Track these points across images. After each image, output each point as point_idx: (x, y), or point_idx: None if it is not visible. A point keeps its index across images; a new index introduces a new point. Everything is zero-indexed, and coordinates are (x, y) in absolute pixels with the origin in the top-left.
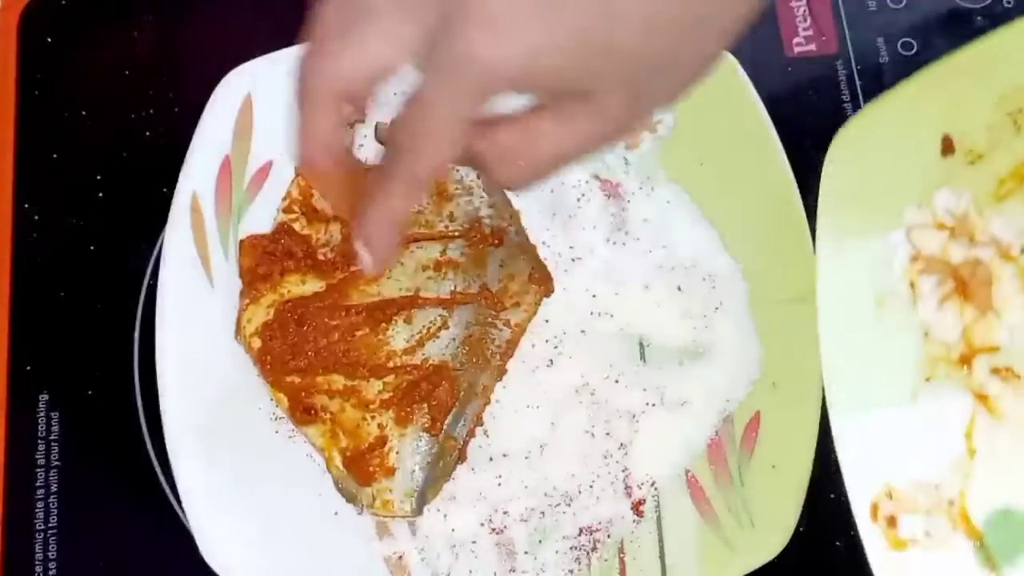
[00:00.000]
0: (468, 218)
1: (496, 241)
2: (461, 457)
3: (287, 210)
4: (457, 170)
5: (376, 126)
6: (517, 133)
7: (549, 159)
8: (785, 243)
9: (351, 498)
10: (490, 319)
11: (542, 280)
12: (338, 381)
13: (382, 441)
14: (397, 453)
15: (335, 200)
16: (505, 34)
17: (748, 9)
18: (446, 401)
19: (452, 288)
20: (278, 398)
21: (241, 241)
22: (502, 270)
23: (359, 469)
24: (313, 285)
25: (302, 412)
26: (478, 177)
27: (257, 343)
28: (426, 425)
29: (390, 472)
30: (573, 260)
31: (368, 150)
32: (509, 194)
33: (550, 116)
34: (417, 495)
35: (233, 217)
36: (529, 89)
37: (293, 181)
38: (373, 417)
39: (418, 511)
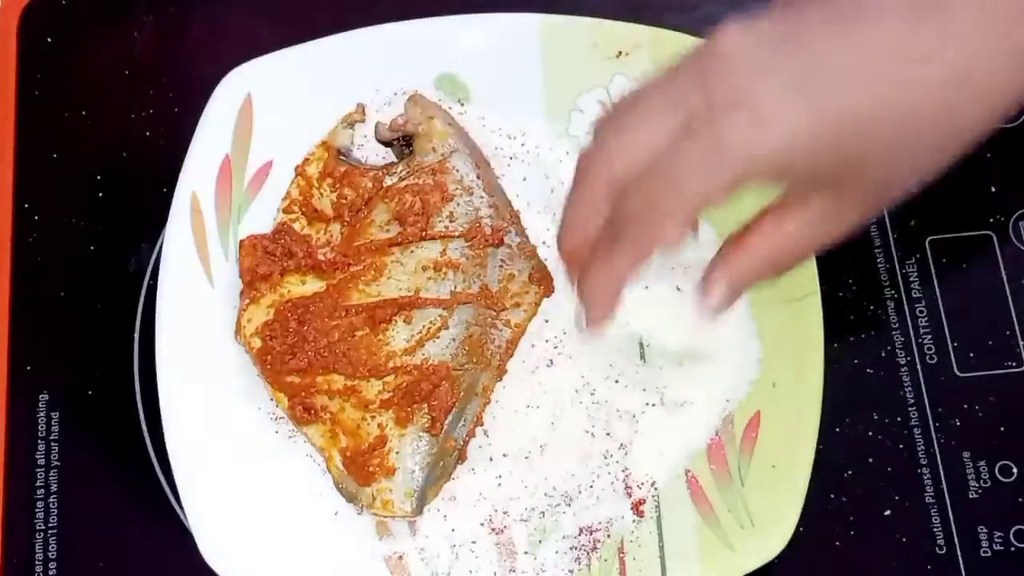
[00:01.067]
0: (468, 218)
1: (496, 241)
2: (461, 457)
3: (287, 210)
4: (456, 170)
5: (376, 125)
6: (759, 234)
7: (790, 256)
8: None
9: (351, 498)
10: (490, 319)
11: (542, 280)
12: (338, 381)
13: (382, 441)
14: (397, 453)
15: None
16: (769, 121)
17: (1006, 106)
18: (446, 401)
19: (452, 288)
20: (278, 398)
21: (241, 241)
22: (502, 270)
23: (359, 469)
24: (313, 285)
25: (302, 412)
26: (478, 177)
27: (257, 343)
28: (426, 425)
29: (390, 472)
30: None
31: (368, 150)
32: (509, 195)
33: (793, 211)
34: (417, 495)
35: (233, 217)
36: (783, 180)
37: (293, 181)
38: (373, 417)
39: (418, 511)
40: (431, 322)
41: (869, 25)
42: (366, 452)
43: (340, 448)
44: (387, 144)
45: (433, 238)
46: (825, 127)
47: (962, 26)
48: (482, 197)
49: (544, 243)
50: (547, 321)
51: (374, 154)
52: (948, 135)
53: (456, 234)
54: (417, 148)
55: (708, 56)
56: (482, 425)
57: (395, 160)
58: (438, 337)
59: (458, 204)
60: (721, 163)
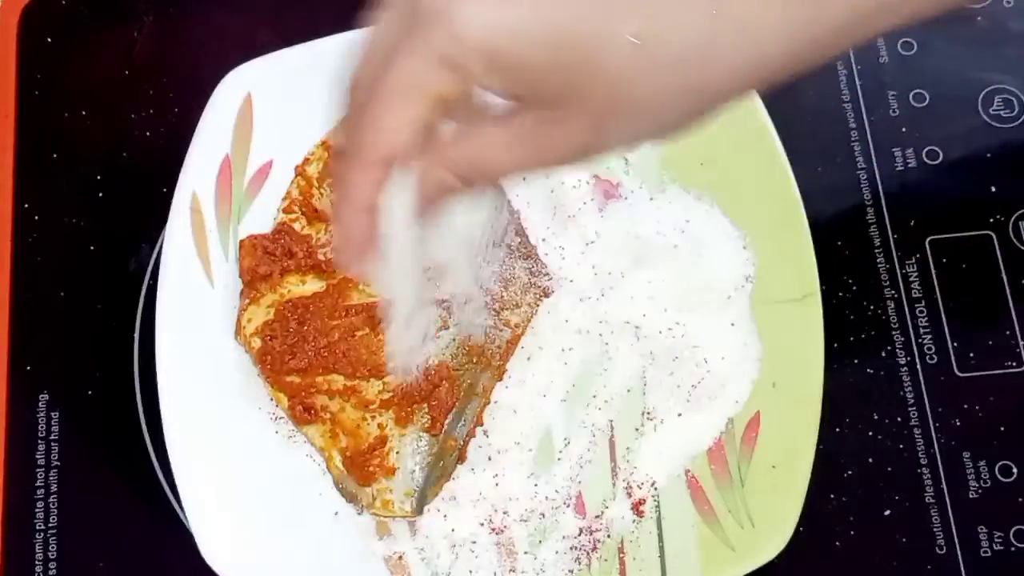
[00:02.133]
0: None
1: (496, 245)
2: (461, 457)
3: (287, 210)
4: None
5: None
6: (471, 138)
7: (493, 169)
8: (785, 243)
9: (351, 498)
10: (490, 319)
11: (541, 281)
12: (338, 381)
13: (382, 441)
14: (397, 453)
15: None
16: (487, 5)
17: (775, 50)
18: (446, 401)
19: (452, 288)
20: (278, 398)
21: (241, 241)
22: (502, 270)
23: (359, 469)
24: (313, 285)
25: (302, 412)
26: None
27: (257, 343)
28: (426, 425)
29: (390, 472)
30: (573, 260)
31: None
32: (509, 194)
33: (503, 119)
34: (417, 495)
35: (233, 217)
36: (496, 77)
37: (293, 181)
38: (373, 417)
39: (418, 511)
40: (430, 323)
41: None
42: (366, 452)
43: (340, 448)
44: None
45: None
46: (552, 26)
47: None
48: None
49: (544, 240)
50: (547, 320)
51: None
52: (697, 79)
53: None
54: None
55: None
56: (482, 425)
57: None
58: (438, 337)
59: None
60: (435, 37)
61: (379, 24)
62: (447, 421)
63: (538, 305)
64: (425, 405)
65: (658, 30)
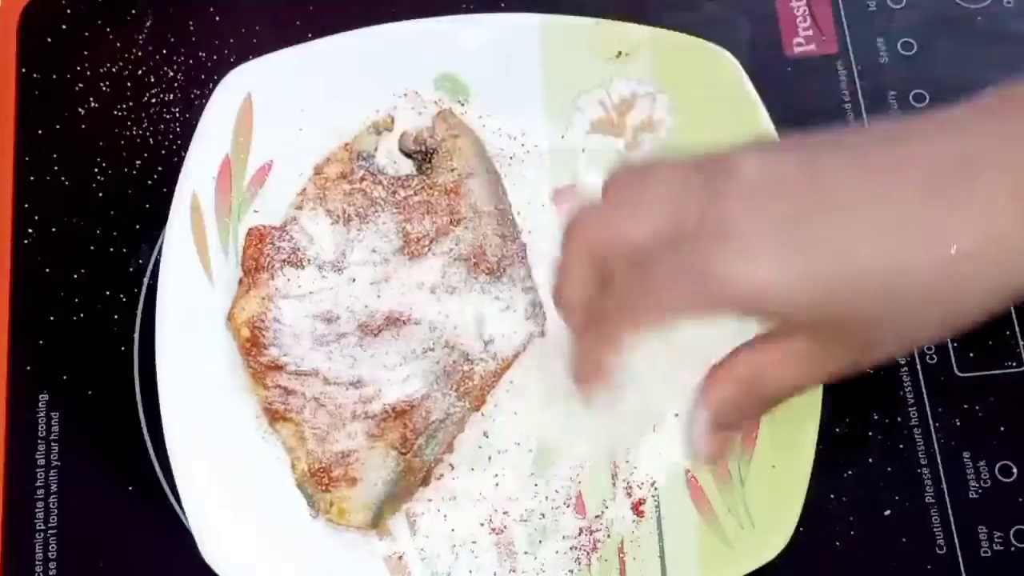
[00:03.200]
0: (474, 245)
1: (498, 273)
2: (425, 480)
3: (299, 205)
4: (472, 193)
5: (402, 135)
6: (735, 357)
7: (771, 396)
8: None
9: (308, 500)
10: (477, 350)
11: (538, 320)
12: (315, 387)
13: (350, 451)
14: (363, 464)
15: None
16: (754, 259)
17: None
18: (420, 421)
19: (445, 312)
20: (256, 390)
21: (250, 229)
22: (499, 303)
23: (323, 474)
24: (309, 285)
25: (275, 410)
26: (494, 206)
27: (246, 332)
28: (396, 442)
29: (352, 482)
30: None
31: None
32: (509, 194)
33: (776, 342)
34: (375, 509)
35: (233, 217)
36: (760, 318)
37: (311, 179)
38: (344, 425)
39: (372, 525)
40: (419, 342)
41: (881, 185)
42: (332, 459)
43: (307, 451)
44: (408, 155)
45: (435, 255)
46: (808, 281)
47: (979, 200)
48: (492, 225)
49: (528, 290)
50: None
51: (396, 162)
52: (949, 308)
53: (459, 257)
54: (436, 164)
55: (720, 173)
56: (451, 451)
57: (413, 172)
58: (423, 358)
59: (467, 228)
60: (695, 287)
61: (644, 228)
62: (418, 442)
63: (527, 343)
64: (399, 422)
65: (905, 278)
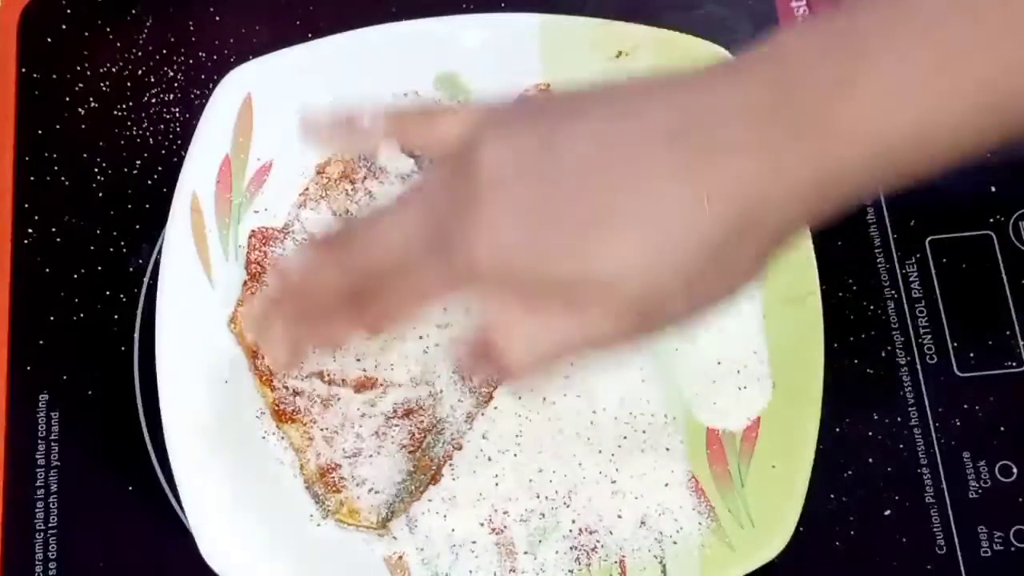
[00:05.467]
0: None
1: None
2: (435, 478)
3: (301, 206)
4: None
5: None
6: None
7: (538, 353)
8: None
9: (318, 502)
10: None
11: None
12: (322, 388)
13: (358, 451)
14: (372, 464)
15: None
16: (491, 228)
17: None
18: (427, 419)
19: (449, 308)
20: (263, 392)
21: (252, 231)
22: None
23: (332, 475)
24: None
25: (283, 411)
26: None
27: (251, 336)
28: (404, 441)
29: (362, 482)
30: None
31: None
32: None
33: (528, 316)
34: (386, 509)
35: (233, 217)
36: (510, 288)
37: (313, 179)
38: (352, 425)
39: (383, 525)
40: (424, 339)
41: (622, 153)
42: (341, 459)
43: (315, 452)
44: (413, 156)
45: None
46: (553, 249)
47: (735, 167)
48: None
49: None
50: None
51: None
52: (713, 273)
53: None
54: None
55: (462, 172)
56: (460, 449)
57: (415, 170)
58: (429, 355)
59: None
60: (442, 265)
61: (403, 220)
62: (426, 440)
63: None
64: (406, 421)
65: (651, 260)
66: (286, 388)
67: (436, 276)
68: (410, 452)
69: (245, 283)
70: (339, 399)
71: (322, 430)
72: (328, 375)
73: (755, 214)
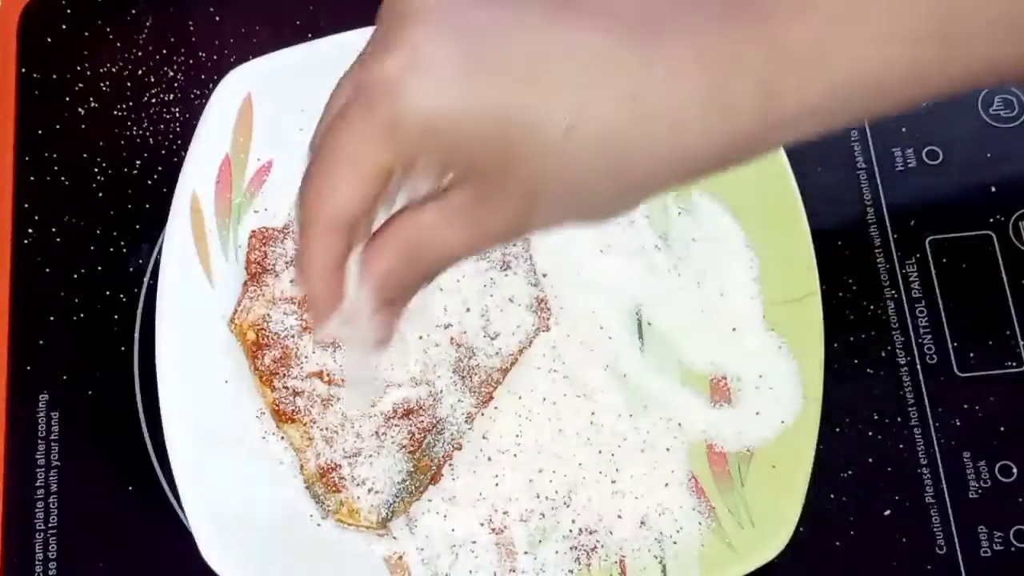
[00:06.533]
0: None
1: (504, 268)
2: (435, 478)
3: None
4: None
5: None
6: (394, 224)
7: (433, 250)
8: (785, 244)
9: (318, 501)
10: (483, 345)
11: (541, 314)
12: (322, 388)
13: (358, 451)
14: (372, 464)
15: None
16: (426, 76)
17: (700, 150)
18: (427, 419)
19: (445, 306)
20: (263, 392)
21: (253, 231)
22: (503, 297)
23: (332, 475)
24: None
25: (283, 411)
26: None
27: (251, 336)
28: (404, 441)
29: (362, 482)
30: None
31: None
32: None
33: (435, 202)
34: (386, 509)
35: (233, 217)
36: (433, 149)
37: None
38: (352, 425)
39: (383, 525)
40: (425, 338)
41: (571, 27)
42: (341, 459)
43: (316, 451)
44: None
45: None
46: (482, 104)
47: (671, 59)
48: None
49: (545, 276)
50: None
51: None
52: (628, 166)
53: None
54: None
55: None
56: (460, 449)
57: None
58: (429, 354)
59: None
60: (369, 113)
61: (337, 88)
62: (426, 440)
63: (533, 338)
64: (406, 421)
65: (586, 116)
66: (286, 388)
67: (360, 128)
68: (410, 452)
69: (245, 283)
70: (339, 399)
71: (322, 430)
72: (328, 375)
73: (677, 126)
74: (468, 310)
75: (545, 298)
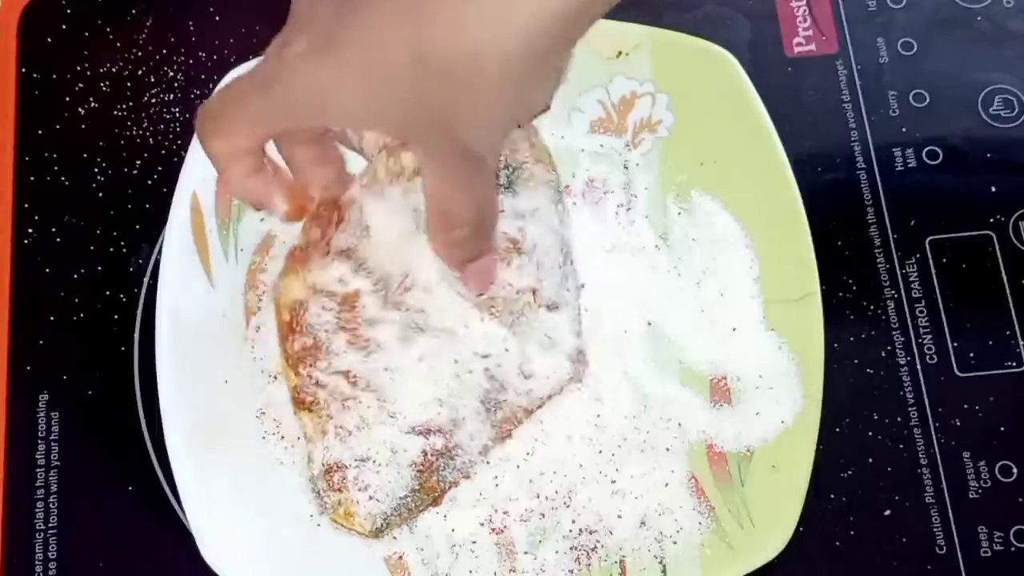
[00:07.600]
0: (528, 284)
1: (552, 308)
2: (436, 501)
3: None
4: (540, 221)
5: None
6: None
7: (469, 215)
8: (785, 243)
9: (317, 497)
10: (516, 383)
11: (578, 365)
12: (346, 388)
13: (368, 457)
14: (378, 474)
15: None
16: (331, 47)
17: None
18: (442, 442)
19: (489, 339)
20: (287, 374)
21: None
22: (546, 340)
23: (336, 474)
24: (358, 282)
25: (303, 399)
26: (562, 252)
27: (285, 316)
28: (416, 458)
29: (364, 488)
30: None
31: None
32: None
33: (427, 178)
34: (381, 519)
35: (233, 217)
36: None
37: (382, 160)
38: (368, 430)
39: (376, 535)
40: (458, 363)
41: None
42: (349, 460)
43: (325, 446)
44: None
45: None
46: (372, 79)
47: None
48: (541, 265)
49: (577, 335)
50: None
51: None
52: (530, 78)
53: (518, 288)
54: (521, 187)
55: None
56: (468, 479)
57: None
58: (459, 379)
59: (521, 268)
60: (262, 97)
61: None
62: (437, 463)
63: (564, 386)
64: (421, 439)
65: (480, 63)
66: (310, 378)
67: (255, 105)
68: (418, 471)
69: (293, 253)
70: (360, 402)
71: (337, 428)
72: (354, 376)
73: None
74: (507, 350)
75: (584, 352)
